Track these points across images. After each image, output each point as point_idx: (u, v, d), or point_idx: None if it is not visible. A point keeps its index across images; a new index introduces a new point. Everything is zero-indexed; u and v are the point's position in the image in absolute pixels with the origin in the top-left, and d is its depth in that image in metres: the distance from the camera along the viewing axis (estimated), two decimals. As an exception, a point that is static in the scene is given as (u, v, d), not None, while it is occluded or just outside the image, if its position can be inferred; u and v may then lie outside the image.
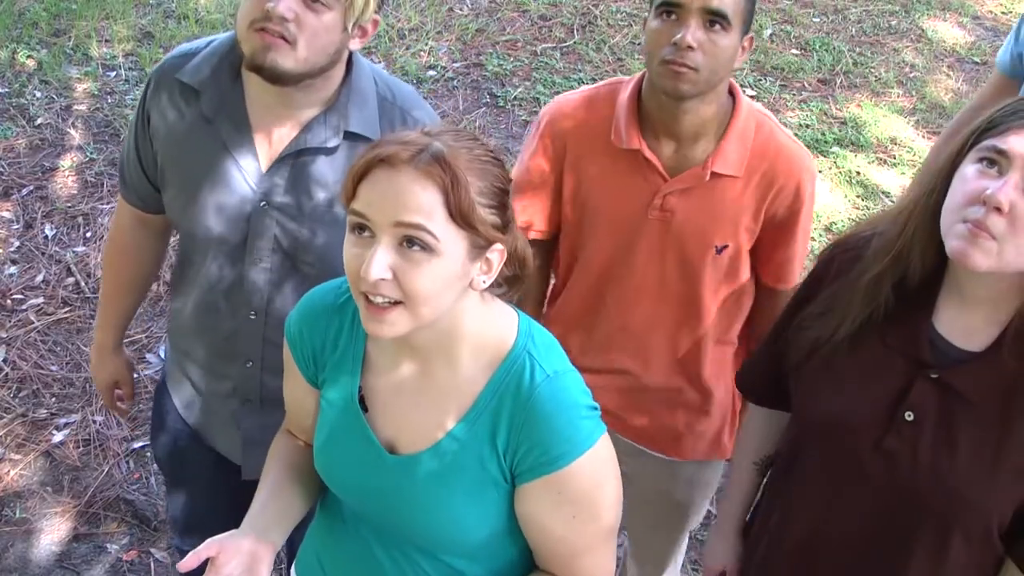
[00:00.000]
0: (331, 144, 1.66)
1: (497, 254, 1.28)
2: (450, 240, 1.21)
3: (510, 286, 1.36)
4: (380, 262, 1.19)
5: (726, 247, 1.80)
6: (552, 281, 2.09)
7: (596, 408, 1.34)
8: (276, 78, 1.56)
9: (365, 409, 1.39)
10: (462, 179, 1.19)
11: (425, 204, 1.18)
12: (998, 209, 1.27)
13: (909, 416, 1.41)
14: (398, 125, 1.70)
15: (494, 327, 1.35)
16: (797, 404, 1.57)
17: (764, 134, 1.78)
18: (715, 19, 1.62)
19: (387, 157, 1.19)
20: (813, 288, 1.57)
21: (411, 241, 1.19)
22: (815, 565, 1.56)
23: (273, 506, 1.46)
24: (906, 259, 1.41)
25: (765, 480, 1.77)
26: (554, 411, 1.29)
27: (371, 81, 1.71)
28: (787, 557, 1.61)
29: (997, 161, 1.30)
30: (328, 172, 1.67)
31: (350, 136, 1.67)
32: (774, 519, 1.64)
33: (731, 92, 1.79)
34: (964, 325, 1.41)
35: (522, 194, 1.89)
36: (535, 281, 2.04)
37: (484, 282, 1.29)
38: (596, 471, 1.32)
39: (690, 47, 1.61)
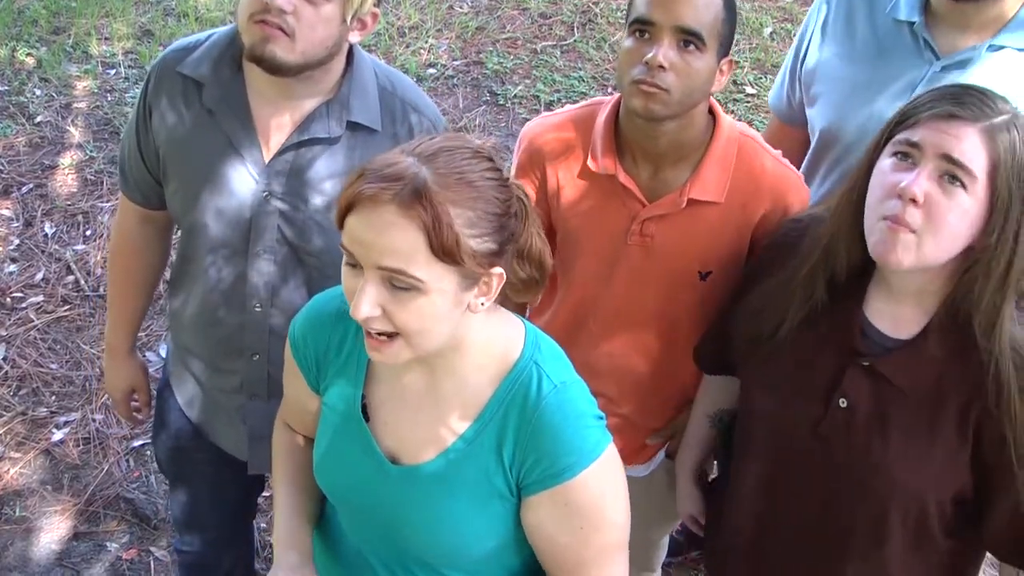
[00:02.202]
0: (334, 134, 1.67)
1: (496, 278, 1.25)
2: (436, 277, 1.18)
3: (526, 289, 1.33)
4: (367, 300, 1.18)
5: (710, 273, 1.77)
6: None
7: (602, 417, 1.33)
8: (275, 69, 1.57)
9: (367, 418, 1.38)
10: (444, 217, 1.16)
11: (405, 247, 1.16)
12: (914, 201, 1.31)
13: (843, 403, 1.45)
14: (399, 115, 1.72)
15: (500, 337, 1.33)
16: (743, 394, 1.63)
17: (747, 157, 1.74)
18: (689, 39, 1.58)
19: (371, 196, 1.16)
20: (757, 268, 1.62)
21: (395, 282, 1.18)
22: (765, 549, 1.62)
23: (298, 525, 1.48)
24: (833, 256, 1.45)
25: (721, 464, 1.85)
26: (561, 422, 1.28)
27: (371, 73, 1.72)
28: (740, 542, 1.66)
29: (910, 153, 1.34)
30: (331, 162, 1.68)
31: (352, 126, 1.68)
32: (727, 505, 1.69)
33: (712, 114, 1.75)
34: (893, 314, 1.45)
35: None
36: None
37: (483, 304, 1.26)
38: (603, 481, 1.30)
39: (661, 67, 1.57)
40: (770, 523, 1.60)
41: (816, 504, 1.51)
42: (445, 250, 1.16)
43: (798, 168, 2.04)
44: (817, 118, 1.97)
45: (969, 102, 1.32)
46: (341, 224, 1.21)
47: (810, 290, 1.47)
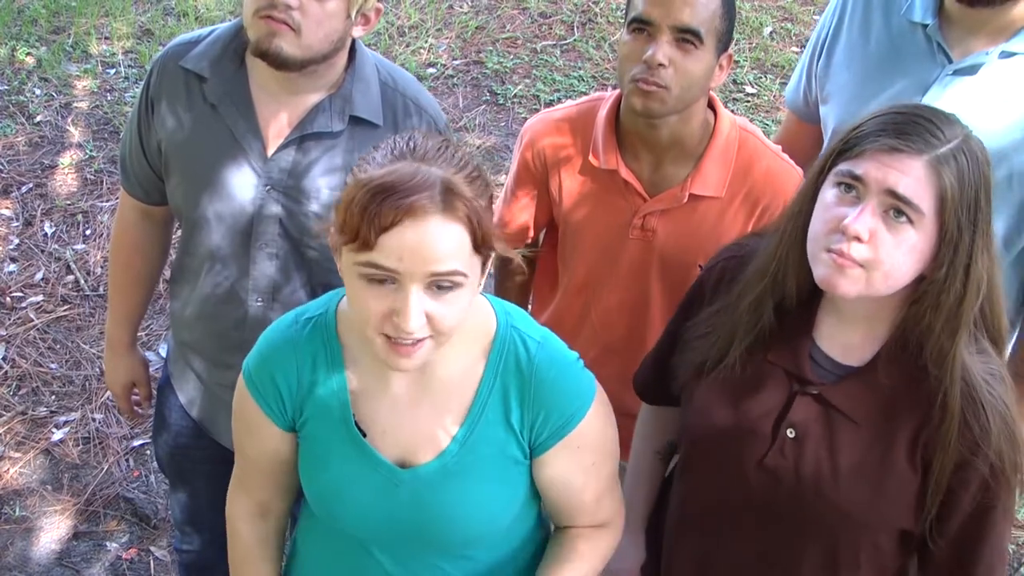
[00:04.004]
0: (336, 129, 1.68)
1: (490, 260, 1.29)
2: (474, 268, 1.23)
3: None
4: (418, 312, 1.18)
5: None
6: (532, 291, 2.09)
7: (580, 358, 1.39)
8: (281, 64, 1.58)
9: (363, 434, 1.37)
10: (480, 209, 1.19)
11: (455, 248, 1.18)
12: (859, 238, 1.26)
13: (791, 433, 1.39)
14: (400, 111, 1.73)
15: (476, 315, 1.36)
16: (684, 425, 1.55)
17: (747, 152, 1.75)
18: (687, 37, 1.59)
19: (413, 209, 1.15)
20: (697, 294, 1.56)
21: (442, 284, 1.19)
22: None
23: None
24: (782, 282, 1.40)
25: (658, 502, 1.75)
26: (558, 374, 1.34)
27: (373, 68, 1.74)
28: None
29: (854, 186, 1.28)
30: (333, 157, 1.69)
31: (354, 121, 1.69)
32: (666, 546, 1.62)
33: (713, 109, 1.76)
34: (844, 341, 1.40)
35: (509, 204, 1.91)
36: (516, 290, 2.05)
37: (480, 286, 1.30)
38: (602, 415, 1.39)
39: (660, 65, 1.59)
40: (710, 561, 1.53)
41: (760, 540, 1.45)
42: (486, 241, 1.21)
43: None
44: (829, 116, 1.96)
45: (913, 132, 1.25)
46: (363, 246, 1.17)
47: (758, 316, 1.41)
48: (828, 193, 1.32)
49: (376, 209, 1.16)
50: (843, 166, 1.30)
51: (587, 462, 1.38)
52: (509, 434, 1.34)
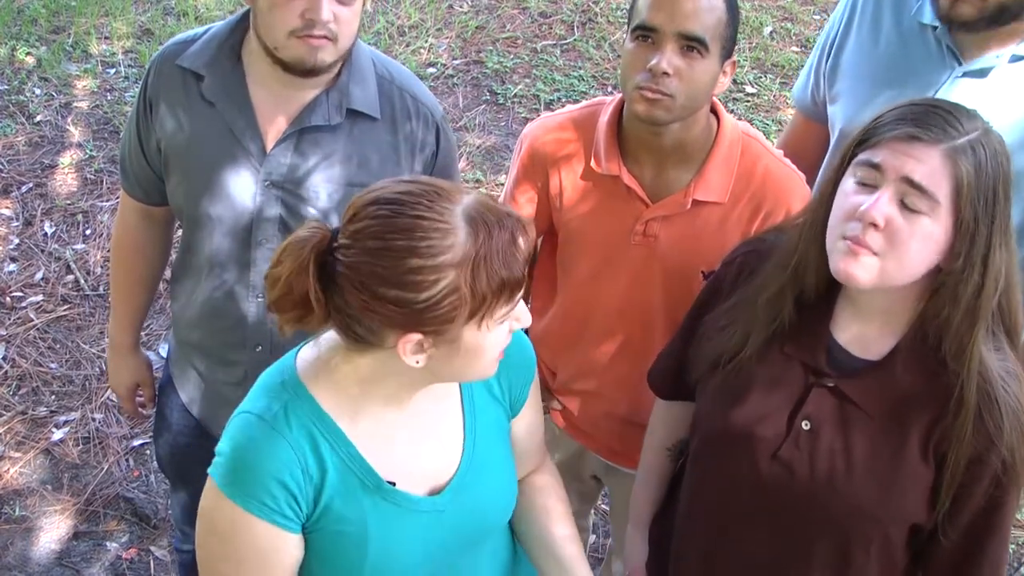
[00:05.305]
0: (334, 122, 1.69)
1: None
2: None
3: None
4: None
5: (713, 272, 1.77)
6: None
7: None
8: (322, 72, 1.63)
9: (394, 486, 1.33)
10: None
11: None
12: (874, 225, 1.26)
13: (806, 425, 1.40)
14: (397, 103, 1.74)
15: None
16: (698, 416, 1.55)
17: (750, 157, 1.74)
18: (692, 44, 1.57)
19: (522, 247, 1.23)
20: (716, 289, 1.56)
21: None
22: None
23: None
24: (802, 274, 1.41)
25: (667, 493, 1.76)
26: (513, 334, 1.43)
27: (370, 62, 1.75)
28: (686, 574, 1.60)
29: (872, 175, 1.29)
30: (331, 150, 1.70)
31: (352, 114, 1.70)
32: (675, 539, 1.63)
33: (715, 113, 1.75)
34: (861, 335, 1.41)
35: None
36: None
37: None
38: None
39: (665, 73, 1.57)
40: (719, 555, 1.53)
41: (770, 535, 1.45)
42: None
43: (819, 166, 2.03)
44: (837, 116, 1.96)
45: (932, 123, 1.26)
46: (512, 294, 1.21)
47: (777, 310, 1.42)
48: (847, 183, 1.33)
49: (516, 274, 1.20)
50: (861, 155, 1.31)
51: (535, 397, 1.50)
52: (497, 405, 1.42)
